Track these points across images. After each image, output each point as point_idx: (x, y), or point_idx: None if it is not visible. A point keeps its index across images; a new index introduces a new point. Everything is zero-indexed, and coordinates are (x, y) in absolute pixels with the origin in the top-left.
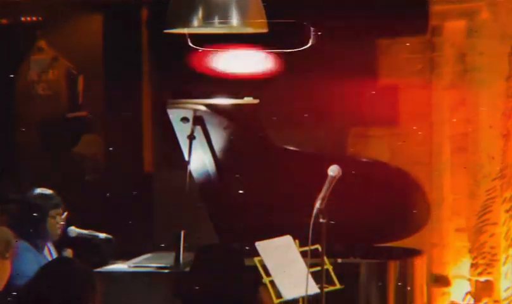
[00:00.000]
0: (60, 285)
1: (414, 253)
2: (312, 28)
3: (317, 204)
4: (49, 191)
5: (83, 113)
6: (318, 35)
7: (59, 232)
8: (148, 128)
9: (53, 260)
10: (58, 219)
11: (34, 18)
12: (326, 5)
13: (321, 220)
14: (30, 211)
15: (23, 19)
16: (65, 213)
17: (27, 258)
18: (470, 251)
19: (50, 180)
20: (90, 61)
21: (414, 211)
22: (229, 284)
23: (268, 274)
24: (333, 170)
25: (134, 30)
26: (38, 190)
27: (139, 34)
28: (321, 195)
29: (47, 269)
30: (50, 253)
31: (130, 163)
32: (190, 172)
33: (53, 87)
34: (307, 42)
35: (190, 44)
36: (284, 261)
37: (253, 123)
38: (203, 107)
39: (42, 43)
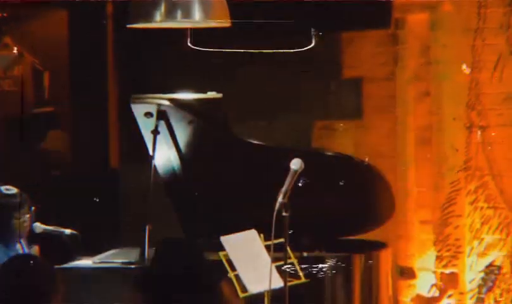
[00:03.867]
0: (21, 283)
1: (379, 245)
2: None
3: (280, 198)
4: (13, 190)
5: (49, 109)
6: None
7: (27, 228)
8: (114, 123)
9: (13, 257)
10: (24, 217)
11: None
12: None
13: (284, 214)
14: None
15: None
16: (32, 208)
17: None
18: (435, 244)
19: (16, 176)
20: (56, 56)
21: (379, 204)
22: (188, 278)
23: (233, 268)
24: (295, 164)
25: (99, 26)
26: (2, 190)
27: (104, 29)
28: (283, 189)
29: (8, 266)
30: (22, 248)
31: (96, 159)
32: (155, 167)
33: (19, 83)
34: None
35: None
36: (249, 256)
37: (217, 117)
38: (166, 102)
39: (7, 39)
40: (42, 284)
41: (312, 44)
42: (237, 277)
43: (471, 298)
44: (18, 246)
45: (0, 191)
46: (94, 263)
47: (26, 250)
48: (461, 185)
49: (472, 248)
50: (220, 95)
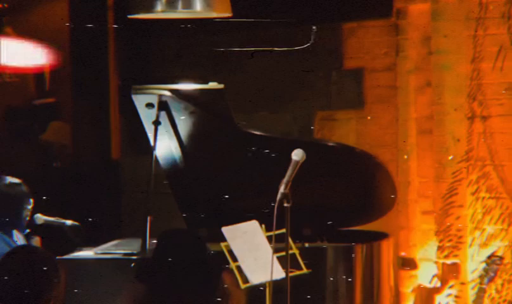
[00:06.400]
0: (23, 274)
1: (380, 236)
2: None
3: (281, 189)
4: (18, 180)
5: (50, 100)
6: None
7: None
8: (115, 114)
9: (15, 248)
10: (28, 207)
11: (0, 5)
12: None
13: (285, 205)
14: (9, 201)
15: None
16: (31, 200)
17: None
18: (436, 234)
19: (18, 167)
20: (57, 47)
21: (380, 194)
22: (191, 269)
23: (234, 259)
24: (297, 154)
25: (100, 16)
26: (13, 180)
27: (105, 20)
28: (285, 179)
29: (10, 257)
30: (17, 238)
31: (97, 150)
32: (156, 158)
33: (20, 75)
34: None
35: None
36: (250, 246)
37: (219, 108)
38: (168, 93)
39: (8, 30)
40: (44, 276)
41: (311, 42)
42: (238, 267)
43: (472, 288)
44: (15, 232)
45: (9, 181)
46: (96, 253)
47: (22, 240)
48: (463, 175)
49: (474, 238)
50: (221, 85)
